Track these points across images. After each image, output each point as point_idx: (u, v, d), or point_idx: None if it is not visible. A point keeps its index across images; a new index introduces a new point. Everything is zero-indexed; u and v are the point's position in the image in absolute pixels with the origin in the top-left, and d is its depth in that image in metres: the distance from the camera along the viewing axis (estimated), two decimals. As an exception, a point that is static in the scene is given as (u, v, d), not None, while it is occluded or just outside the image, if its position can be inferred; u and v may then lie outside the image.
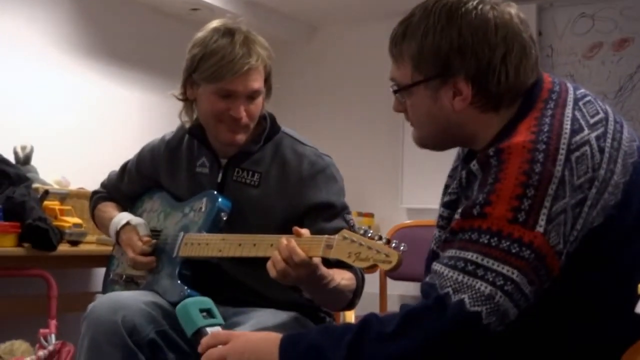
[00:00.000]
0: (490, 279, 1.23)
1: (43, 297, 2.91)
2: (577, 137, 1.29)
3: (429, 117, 1.42)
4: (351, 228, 1.61)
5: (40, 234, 2.73)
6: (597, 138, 1.31)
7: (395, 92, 1.45)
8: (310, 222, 1.83)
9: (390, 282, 3.24)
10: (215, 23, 1.97)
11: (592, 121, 1.34)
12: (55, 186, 3.24)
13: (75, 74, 3.80)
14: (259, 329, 1.70)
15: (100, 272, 2.44)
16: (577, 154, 1.28)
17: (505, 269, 1.23)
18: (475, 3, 1.37)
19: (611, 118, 1.37)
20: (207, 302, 1.50)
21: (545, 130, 1.29)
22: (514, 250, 1.23)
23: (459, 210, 1.32)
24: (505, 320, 1.25)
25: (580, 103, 1.36)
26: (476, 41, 1.34)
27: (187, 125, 2.05)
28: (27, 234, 2.74)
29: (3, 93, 3.47)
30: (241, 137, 1.96)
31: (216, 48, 1.89)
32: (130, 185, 2.22)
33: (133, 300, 1.86)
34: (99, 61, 3.91)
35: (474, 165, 1.34)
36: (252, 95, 1.93)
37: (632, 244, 1.32)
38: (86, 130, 3.81)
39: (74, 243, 2.96)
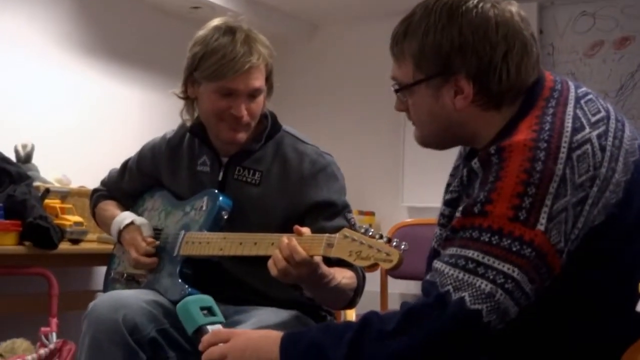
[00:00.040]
0: (491, 277, 1.23)
1: (44, 296, 2.90)
2: (579, 136, 1.29)
3: (430, 115, 1.42)
4: (352, 227, 1.61)
5: (41, 233, 2.72)
6: (599, 136, 1.31)
7: (396, 91, 1.45)
8: (311, 221, 1.83)
9: (391, 281, 3.23)
10: (216, 21, 1.97)
11: (593, 119, 1.34)
12: (56, 184, 3.24)
13: (76, 73, 3.79)
14: (260, 328, 1.70)
15: (101, 270, 2.44)
16: (578, 152, 1.28)
17: (505, 267, 1.23)
18: (476, 1, 1.37)
19: (612, 116, 1.37)
20: (207, 300, 1.50)
21: (547, 128, 1.29)
22: (514, 249, 1.23)
23: (460, 209, 1.32)
24: (505, 319, 1.25)
25: (582, 101, 1.36)
26: (477, 39, 1.34)
27: (188, 124, 2.05)
28: (28, 233, 2.73)
29: (4, 91, 3.47)
30: (242, 136, 1.96)
31: (217, 46, 1.89)
32: (131, 183, 2.22)
33: (134, 298, 1.86)
34: (100, 59, 3.91)
35: (475, 163, 1.33)
36: (253, 94, 1.92)
37: (633, 243, 1.32)
38: (87, 129, 3.80)
39: (75, 241, 2.96)
